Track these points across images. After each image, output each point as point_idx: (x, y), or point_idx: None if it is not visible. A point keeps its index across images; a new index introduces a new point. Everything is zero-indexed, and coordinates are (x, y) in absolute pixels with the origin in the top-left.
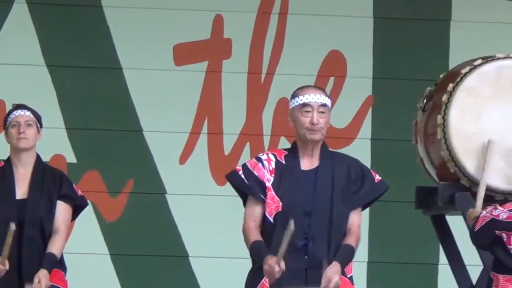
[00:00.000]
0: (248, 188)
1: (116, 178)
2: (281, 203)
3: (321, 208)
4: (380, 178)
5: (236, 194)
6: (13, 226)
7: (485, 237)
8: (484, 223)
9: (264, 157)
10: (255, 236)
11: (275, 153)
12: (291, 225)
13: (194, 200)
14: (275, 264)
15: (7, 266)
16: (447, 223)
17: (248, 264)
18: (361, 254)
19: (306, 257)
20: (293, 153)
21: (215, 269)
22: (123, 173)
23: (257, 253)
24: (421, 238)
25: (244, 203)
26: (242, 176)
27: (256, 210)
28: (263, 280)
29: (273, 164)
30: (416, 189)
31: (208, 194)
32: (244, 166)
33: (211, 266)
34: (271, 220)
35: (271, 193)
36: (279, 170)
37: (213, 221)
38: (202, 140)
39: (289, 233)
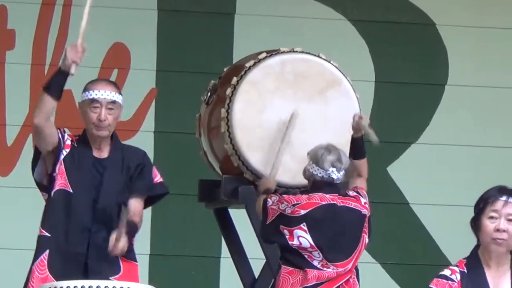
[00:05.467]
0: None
1: None
2: (68, 184)
3: (107, 199)
4: (161, 180)
5: (21, 185)
6: None
7: (272, 231)
8: (273, 217)
9: (66, 134)
10: None
11: (71, 137)
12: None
13: None
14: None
15: None
16: (230, 216)
17: (30, 256)
18: (143, 247)
19: (88, 245)
20: (84, 140)
21: None
22: None
23: None
24: (204, 231)
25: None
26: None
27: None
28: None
29: (69, 142)
30: (199, 182)
31: None
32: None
33: None
34: (52, 194)
35: (62, 167)
36: (72, 151)
37: None
38: None
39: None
